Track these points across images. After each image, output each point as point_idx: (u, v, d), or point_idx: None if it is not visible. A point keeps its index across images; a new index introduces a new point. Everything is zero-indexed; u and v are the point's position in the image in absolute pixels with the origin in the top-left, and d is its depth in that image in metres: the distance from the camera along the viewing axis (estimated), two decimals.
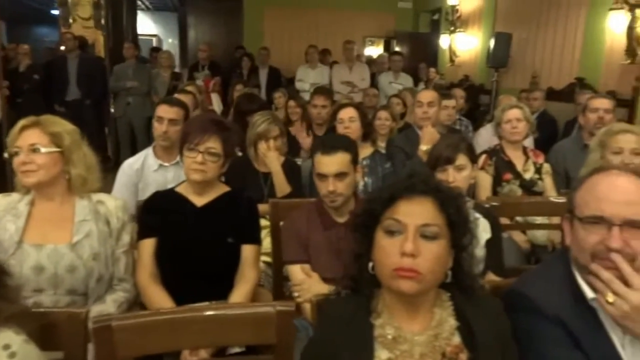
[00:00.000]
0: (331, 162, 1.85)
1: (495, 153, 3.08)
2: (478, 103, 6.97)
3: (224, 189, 1.95)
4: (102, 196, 1.78)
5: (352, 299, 1.16)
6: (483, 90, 7.13)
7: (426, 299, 1.12)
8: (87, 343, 1.21)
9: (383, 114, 4.02)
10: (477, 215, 2.07)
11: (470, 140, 4.04)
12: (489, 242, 2.08)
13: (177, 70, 7.46)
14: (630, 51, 4.82)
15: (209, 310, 1.22)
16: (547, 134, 4.72)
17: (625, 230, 1.10)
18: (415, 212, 1.06)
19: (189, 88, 4.22)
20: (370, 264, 1.12)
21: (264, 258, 2.51)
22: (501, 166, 3.03)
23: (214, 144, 1.81)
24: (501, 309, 1.18)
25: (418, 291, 1.05)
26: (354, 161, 1.92)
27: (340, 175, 1.85)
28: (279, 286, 2.18)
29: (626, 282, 1.09)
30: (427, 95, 3.30)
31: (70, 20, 7.24)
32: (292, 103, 4.45)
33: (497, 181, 3.03)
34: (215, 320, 1.21)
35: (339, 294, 1.20)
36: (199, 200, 1.87)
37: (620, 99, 4.89)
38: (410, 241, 1.03)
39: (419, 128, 3.21)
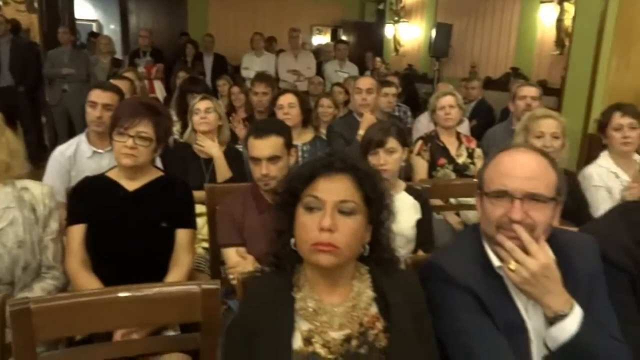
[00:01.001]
0: (264, 146, 1.88)
1: (430, 139, 3.20)
2: (416, 91, 7.15)
3: (157, 173, 1.94)
4: (27, 183, 1.73)
5: (275, 275, 1.20)
6: (426, 79, 7.33)
7: (345, 272, 1.17)
8: (4, 328, 1.19)
9: (325, 101, 4.08)
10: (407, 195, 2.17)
11: (404, 125, 4.18)
12: (419, 222, 2.18)
13: (118, 56, 7.21)
14: (559, 42, 5.10)
15: (132, 290, 1.22)
16: (484, 121, 4.92)
17: (526, 202, 1.19)
18: (333, 189, 1.11)
19: (127, 74, 4.11)
20: (292, 241, 1.16)
21: (204, 244, 2.52)
22: (436, 151, 3.14)
23: (145, 128, 1.79)
24: (416, 281, 1.25)
25: (336, 264, 1.10)
26: (288, 145, 1.95)
27: (273, 159, 1.88)
28: (217, 270, 2.19)
29: (526, 251, 1.18)
30: (365, 82, 3.36)
31: (1, 3, 6.84)
32: (235, 89, 4.42)
33: (433, 166, 3.14)
34: (139, 301, 1.21)
35: (263, 271, 1.24)
36: (131, 185, 1.85)
37: (551, 87, 5.18)
38: (328, 216, 1.08)
39: (358, 115, 3.28)
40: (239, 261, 1.88)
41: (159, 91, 5.88)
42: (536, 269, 1.15)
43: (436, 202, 2.66)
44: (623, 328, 1.27)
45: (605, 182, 2.58)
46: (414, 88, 7.12)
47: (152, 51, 6.50)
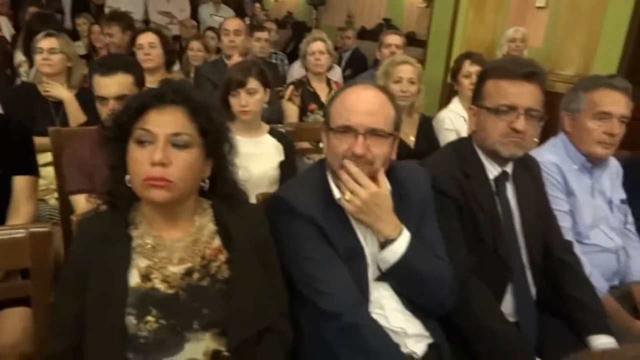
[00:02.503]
0: (110, 84, 1.74)
1: (301, 84, 3.21)
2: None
3: None
4: None
5: (109, 214, 1.14)
6: (305, 27, 7.30)
7: (185, 207, 1.15)
8: None
9: (195, 44, 3.89)
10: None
11: (280, 73, 4.15)
12: (282, 164, 2.21)
13: None
14: None
15: None
16: (358, 70, 5.06)
17: (368, 137, 1.25)
18: (166, 121, 1.06)
19: None
20: (127, 177, 1.11)
21: (56, 195, 2.33)
22: (307, 97, 3.17)
23: None
24: (260, 214, 1.27)
25: (170, 199, 1.07)
26: (139, 84, 1.83)
27: (121, 98, 1.75)
28: (66, 220, 2.04)
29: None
30: (232, 23, 3.25)
31: None
32: (96, 29, 4.06)
33: (304, 111, 3.17)
34: None
35: (97, 210, 1.17)
36: None
37: (419, 39, 5.44)
38: (159, 150, 1.04)
39: (227, 58, 3.18)
40: (88, 208, 1.77)
41: (6, 28, 5.18)
42: (367, 197, 1.23)
43: (304, 144, 2.70)
44: (449, 250, 1.41)
45: (455, 125, 2.81)
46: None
47: None
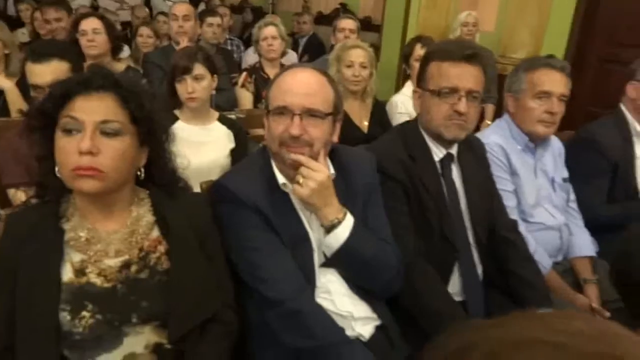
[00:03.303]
0: (44, 71, 1.66)
1: (255, 71, 3.16)
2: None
3: None
4: None
5: (39, 207, 1.09)
6: (262, 12, 7.20)
7: (121, 198, 1.11)
8: None
9: (145, 30, 3.77)
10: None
11: (235, 59, 4.07)
12: (233, 151, 2.17)
13: None
14: None
15: None
16: (316, 56, 5.01)
17: (305, 119, 1.23)
18: (93, 108, 1.02)
19: None
20: (57, 168, 1.06)
21: None
22: (261, 83, 3.12)
23: None
24: (201, 203, 1.24)
25: (101, 189, 1.03)
26: (75, 70, 1.75)
27: None
28: None
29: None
30: (181, 8, 3.16)
31: None
32: (37, 15, 3.86)
33: (258, 98, 3.13)
34: None
35: (27, 204, 1.12)
36: None
37: (375, 24, 5.44)
38: (87, 139, 0.99)
39: (177, 44, 3.09)
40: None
41: None
42: (322, 180, 1.21)
43: (258, 131, 2.66)
44: (396, 233, 1.42)
45: (407, 109, 2.82)
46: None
47: None
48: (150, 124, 1.09)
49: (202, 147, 2.10)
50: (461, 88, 1.44)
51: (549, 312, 0.40)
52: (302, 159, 1.22)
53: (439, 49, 1.52)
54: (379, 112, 2.78)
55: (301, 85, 1.25)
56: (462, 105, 1.44)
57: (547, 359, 0.34)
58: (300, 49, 5.31)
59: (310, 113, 1.23)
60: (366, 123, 2.71)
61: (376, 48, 4.73)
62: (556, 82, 1.79)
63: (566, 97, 1.81)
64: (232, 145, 2.17)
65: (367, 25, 5.60)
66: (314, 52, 5.19)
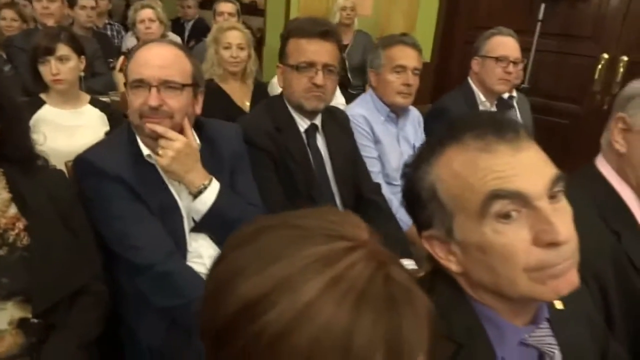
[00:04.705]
0: None
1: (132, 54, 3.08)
2: None
3: None
4: None
5: None
6: None
7: None
8: None
9: (8, 13, 3.49)
10: None
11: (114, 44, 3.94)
12: (108, 134, 2.13)
13: None
14: None
15: None
16: (201, 40, 4.95)
17: (162, 90, 1.28)
18: None
19: None
20: None
21: None
22: None
23: None
24: (61, 178, 1.26)
25: None
26: None
27: None
28: None
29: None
30: None
31: None
32: None
33: None
34: None
35: None
36: None
37: (260, 8, 5.48)
38: None
39: (43, 26, 2.93)
40: None
41: None
42: (178, 148, 1.27)
43: None
44: (264, 197, 1.52)
45: None
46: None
47: None
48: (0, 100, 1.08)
49: (74, 131, 2.05)
50: (317, 62, 1.57)
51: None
52: (159, 128, 1.27)
53: (296, 27, 1.64)
54: (261, 92, 2.86)
55: (156, 58, 1.29)
56: (319, 78, 1.57)
57: (284, 236, 0.45)
58: (186, 34, 5.22)
59: (167, 85, 1.28)
60: (248, 103, 2.78)
61: (262, 32, 4.80)
62: (410, 57, 1.99)
63: (419, 70, 2.02)
64: (106, 128, 2.13)
65: (253, 10, 5.64)
66: (200, 36, 5.12)
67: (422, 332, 0.43)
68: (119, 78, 3.03)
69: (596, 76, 3.30)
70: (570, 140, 3.41)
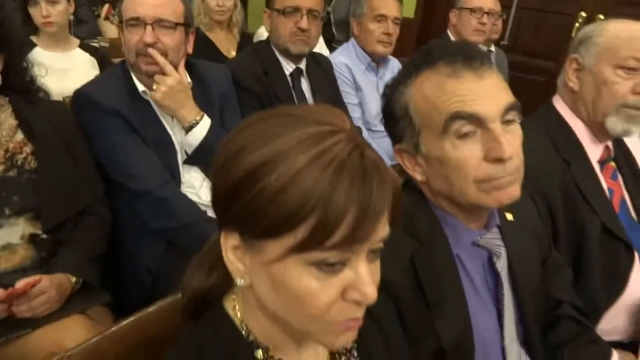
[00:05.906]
0: None
1: (118, 2, 3.08)
2: None
3: None
4: None
5: None
6: None
7: None
8: None
9: None
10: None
11: None
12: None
13: None
14: None
15: None
16: None
17: (157, 28, 1.35)
18: None
19: None
20: None
21: None
22: None
23: None
24: (64, 110, 1.35)
25: None
26: None
27: None
28: None
29: (163, 72, 1.38)
30: None
31: None
32: None
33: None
34: None
35: None
36: None
37: None
38: None
39: None
40: None
41: None
42: (172, 83, 1.36)
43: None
44: None
45: None
46: None
47: None
48: (3, 30, 1.15)
49: (64, 74, 2.10)
50: (302, 7, 1.65)
51: None
52: (161, 60, 1.35)
53: None
54: (246, 42, 2.90)
55: None
56: (304, 23, 1.65)
57: (280, 121, 0.56)
58: None
59: (161, 23, 1.35)
60: (234, 53, 2.83)
61: None
62: (390, 7, 2.08)
63: (399, 20, 2.10)
64: (96, 71, 2.19)
65: None
66: None
67: (387, 197, 0.54)
68: (106, 26, 3.04)
69: (573, 34, 3.41)
70: (547, 97, 3.55)
